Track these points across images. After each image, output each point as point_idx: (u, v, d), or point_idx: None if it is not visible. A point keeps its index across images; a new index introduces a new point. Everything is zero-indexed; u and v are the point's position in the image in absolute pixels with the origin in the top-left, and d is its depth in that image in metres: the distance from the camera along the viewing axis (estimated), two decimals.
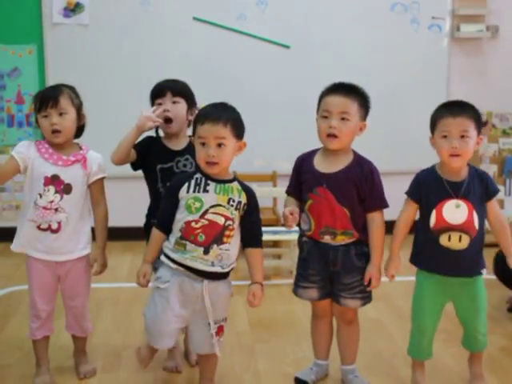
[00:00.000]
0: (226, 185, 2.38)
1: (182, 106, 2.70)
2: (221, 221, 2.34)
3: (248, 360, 2.95)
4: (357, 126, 2.48)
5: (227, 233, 2.35)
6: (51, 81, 4.62)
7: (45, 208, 2.55)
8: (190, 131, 2.56)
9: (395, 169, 4.68)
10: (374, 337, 3.15)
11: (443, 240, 2.45)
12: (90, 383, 2.73)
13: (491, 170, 5.10)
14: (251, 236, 2.45)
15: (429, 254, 2.51)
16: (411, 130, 4.91)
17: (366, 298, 2.59)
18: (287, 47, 5.03)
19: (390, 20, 5.07)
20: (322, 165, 2.52)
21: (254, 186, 4.11)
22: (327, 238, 2.51)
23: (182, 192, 2.36)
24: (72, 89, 2.63)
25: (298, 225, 2.61)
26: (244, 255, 2.47)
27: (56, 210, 2.56)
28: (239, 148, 2.40)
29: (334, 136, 2.45)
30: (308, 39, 5.02)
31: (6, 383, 2.72)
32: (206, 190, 2.35)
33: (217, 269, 2.37)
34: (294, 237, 3.88)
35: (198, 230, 2.32)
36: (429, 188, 2.49)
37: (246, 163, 4.71)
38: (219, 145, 2.32)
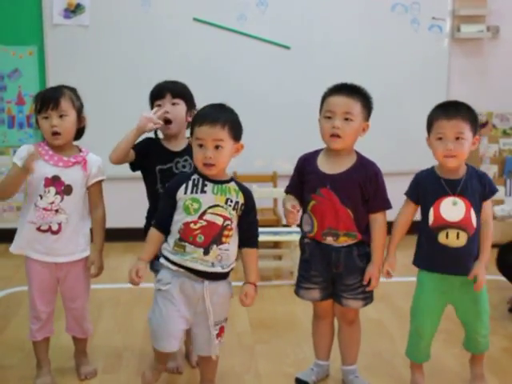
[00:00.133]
0: (224, 185, 2.38)
1: (181, 107, 2.70)
2: (219, 221, 2.34)
3: (249, 361, 2.96)
4: (360, 127, 2.48)
5: (226, 233, 2.35)
6: (51, 82, 4.63)
7: (45, 209, 2.55)
8: (189, 132, 2.56)
9: (395, 169, 4.66)
10: (375, 337, 3.15)
11: (441, 237, 2.46)
12: None
13: (491, 170, 5.11)
14: (248, 236, 2.45)
15: (428, 252, 2.52)
16: (411, 130, 4.86)
17: (368, 298, 2.59)
18: (287, 48, 5.03)
19: (390, 20, 5.07)
20: (325, 166, 2.52)
21: (254, 187, 4.16)
22: (329, 240, 2.51)
23: (180, 193, 2.36)
24: (73, 90, 2.63)
25: (300, 226, 2.61)
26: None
27: (56, 211, 2.56)
28: (236, 150, 2.40)
29: (338, 136, 2.45)
30: (308, 40, 5.02)
31: None
32: (203, 191, 2.35)
33: (217, 269, 2.37)
34: (295, 238, 3.91)
35: (197, 231, 2.32)
36: (427, 187, 2.50)
37: (246, 164, 4.73)
38: (217, 147, 2.32)
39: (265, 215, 4.74)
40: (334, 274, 2.55)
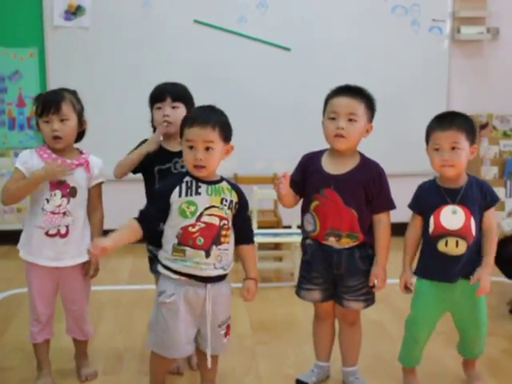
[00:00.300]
0: (217, 185, 2.38)
1: (181, 110, 2.70)
2: (216, 222, 2.34)
3: (249, 362, 2.96)
4: (364, 128, 2.49)
5: (223, 232, 2.36)
6: (52, 84, 4.64)
7: (53, 213, 2.55)
8: None
9: (395, 170, 4.66)
10: (375, 339, 3.15)
11: (441, 245, 2.47)
12: None
13: (492, 171, 5.11)
14: (244, 233, 2.46)
15: (427, 260, 2.52)
16: (411, 131, 4.85)
17: (369, 300, 2.59)
18: (288, 50, 5.04)
19: (390, 22, 5.08)
20: (329, 166, 2.53)
21: (254, 188, 4.16)
22: (332, 240, 2.51)
23: (174, 196, 2.34)
24: (74, 94, 2.63)
25: (301, 227, 2.61)
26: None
27: (64, 213, 2.56)
28: (227, 151, 2.40)
29: (342, 136, 2.45)
30: (309, 41, 5.03)
31: None
32: (198, 193, 2.34)
33: (219, 271, 2.37)
34: (295, 239, 3.92)
35: (196, 234, 2.31)
36: (427, 196, 2.52)
37: (246, 165, 4.74)
38: (207, 148, 2.31)
39: (265, 216, 4.73)
40: (335, 275, 2.55)
